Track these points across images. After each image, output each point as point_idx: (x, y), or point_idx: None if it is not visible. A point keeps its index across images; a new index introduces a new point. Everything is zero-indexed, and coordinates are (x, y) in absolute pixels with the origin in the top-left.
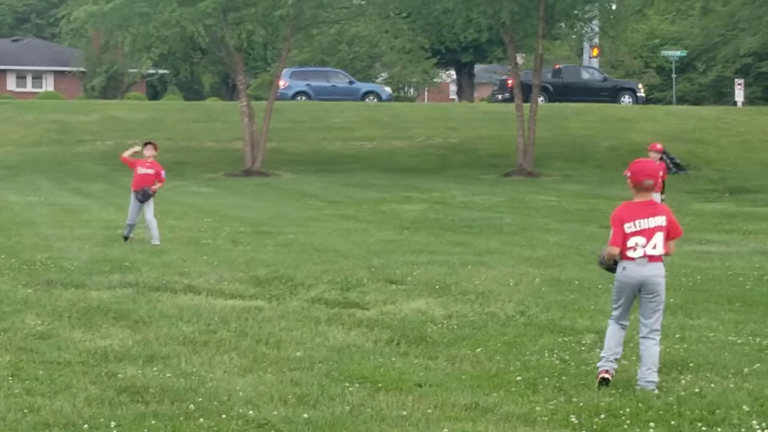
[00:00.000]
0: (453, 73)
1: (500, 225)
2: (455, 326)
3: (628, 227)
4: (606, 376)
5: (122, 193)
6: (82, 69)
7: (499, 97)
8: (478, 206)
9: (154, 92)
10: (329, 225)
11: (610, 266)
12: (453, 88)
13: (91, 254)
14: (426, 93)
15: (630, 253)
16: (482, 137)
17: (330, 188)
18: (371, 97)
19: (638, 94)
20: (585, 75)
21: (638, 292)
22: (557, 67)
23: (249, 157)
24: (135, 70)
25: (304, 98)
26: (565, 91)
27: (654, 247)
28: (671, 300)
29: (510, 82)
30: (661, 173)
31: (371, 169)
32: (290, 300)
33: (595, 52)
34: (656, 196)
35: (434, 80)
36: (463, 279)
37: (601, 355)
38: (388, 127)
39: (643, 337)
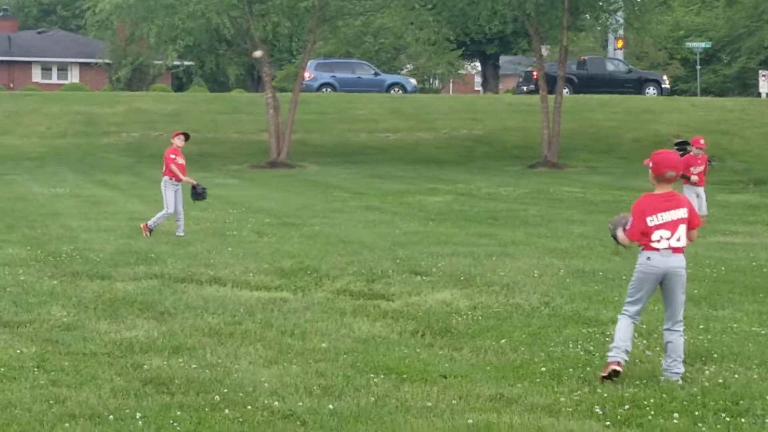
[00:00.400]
0: (478, 64)
1: (525, 216)
2: (480, 317)
3: (651, 220)
4: (617, 368)
5: (147, 185)
6: (107, 61)
7: (525, 88)
8: (503, 198)
9: (180, 84)
10: (354, 216)
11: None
12: (478, 79)
13: (116, 246)
14: (451, 84)
15: (655, 244)
16: (507, 129)
17: (355, 180)
18: (396, 89)
19: (663, 86)
20: (610, 66)
21: (660, 284)
22: (582, 58)
23: (274, 149)
24: (160, 62)
25: (329, 90)
26: (590, 83)
27: (678, 240)
28: (695, 291)
29: (535, 73)
30: (702, 167)
31: (396, 161)
32: (315, 291)
33: (620, 43)
34: (700, 190)
35: (459, 72)
36: (488, 270)
37: (612, 345)
38: (413, 119)
39: (668, 330)
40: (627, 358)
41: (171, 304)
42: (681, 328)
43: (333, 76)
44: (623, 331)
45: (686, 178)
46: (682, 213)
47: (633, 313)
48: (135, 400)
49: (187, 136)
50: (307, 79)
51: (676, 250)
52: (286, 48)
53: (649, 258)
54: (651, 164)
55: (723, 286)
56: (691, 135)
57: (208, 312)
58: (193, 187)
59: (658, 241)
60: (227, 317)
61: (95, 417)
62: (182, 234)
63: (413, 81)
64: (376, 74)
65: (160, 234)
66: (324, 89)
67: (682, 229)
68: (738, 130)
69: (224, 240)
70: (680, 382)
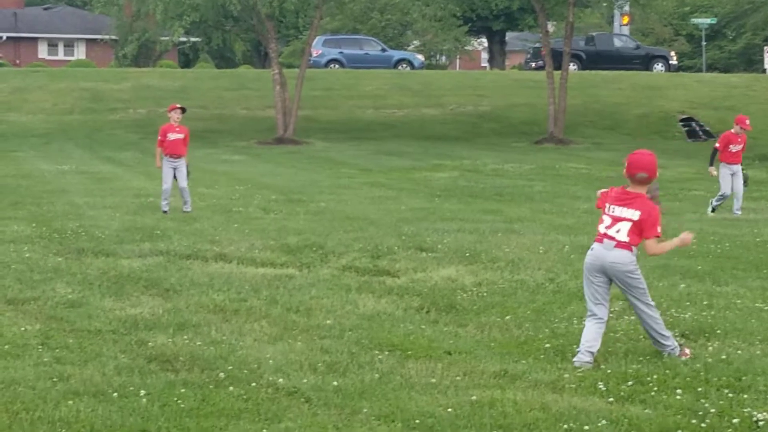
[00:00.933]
0: (484, 40)
1: (531, 192)
2: (485, 294)
3: (606, 208)
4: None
5: (154, 161)
6: (113, 37)
7: (533, 64)
8: (509, 174)
9: (186, 60)
10: (360, 193)
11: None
12: (484, 55)
13: (122, 222)
14: (457, 61)
15: (600, 228)
16: (513, 105)
17: (361, 156)
18: (404, 65)
19: (670, 62)
20: (618, 43)
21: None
22: (590, 34)
23: (281, 125)
24: (167, 38)
25: (337, 66)
26: (598, 59)
27: (617, 232)
28: (699, 267)
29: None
30: (741, 146)
31: (403, 137)
32: (321, 268)
33: (626, 19)
34: (736, 168)
35: (466, 48)
36: (493, 246)
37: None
38: (420, 95)
39: (635, 312)
40: (589, 359)
41: (176, 281)
42: (649, 310)
43: (340, 53)
44: (586, 331)
45: (711, 161)
46: (630, 213)
47: (593, 312)
48: (139, 377)
49: (183, 110)
50: (315, 55)
51: (618, 244)
52: (292, 24)
53: (592, 248)
54: (626, 164)
55: (727, 261)
56: (696, 111)
57: (214, 289)
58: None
59: (602, 224)
60: (232, 294)
61: (99, 394)
62: (189, 210)
63: (420, 57)
64: (383, 50)
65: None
66: (332, 65)
67: (624, 225)
68: (743, 106)
69: (230, 216)
70: (676, 351)
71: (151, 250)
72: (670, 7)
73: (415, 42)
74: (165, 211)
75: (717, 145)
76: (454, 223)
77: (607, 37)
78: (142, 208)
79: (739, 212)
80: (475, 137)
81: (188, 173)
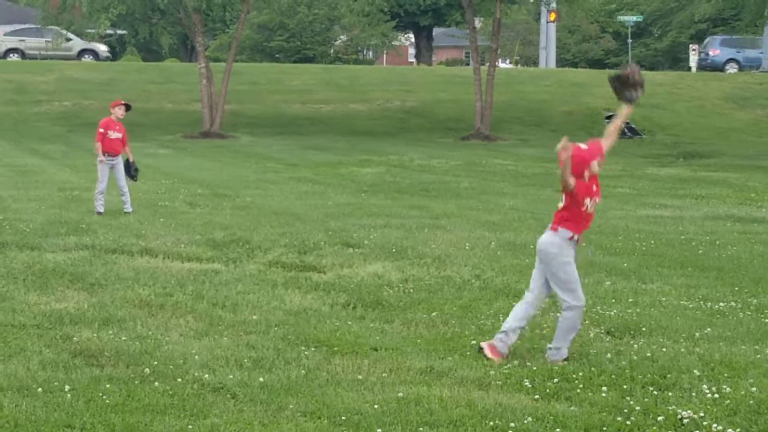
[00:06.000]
0: (411, 36)
1: (457, 189)
2: (411, 290)
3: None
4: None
5: (79, 154)
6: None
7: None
8: (436, 170)
9: (112, 53)
10: (287, 188)
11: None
12: (412, 51)
13: (47, 216)
14: (384, 56)
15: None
16: (440, 101)
17: (288, 151)
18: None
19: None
20: None
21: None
22: None
23: (207, 119)
24: (93, 31)
25: (735, 68)
26: None
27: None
28: (625, 264)
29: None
30: None
31: (329, 132)
32: (247, 263)
33: (552, 16)
34: None
35: (393, 43)
36: (419, 243)
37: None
38: (347, 90)
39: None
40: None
41: (101, 276)
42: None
43: (738, 52)
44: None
45: None
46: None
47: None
48: (64, 372)
49: (128, 107)
50: (712, 54)
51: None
52: (219, 18)
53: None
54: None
55: (652, 259)
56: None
57: (139, 283)
58: (127, 162)
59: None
60: (158, 289)
61: (23, 390)
62: (130, 210)
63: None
64: None
65: (92, 204)
66: (729, 66)
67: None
68: (668, 103)
69: (156, 211)
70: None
71: (76, 244)
72: (597, 4)
73: (341, 37)
74: (99, 213)
75: None
76: (380, 218)
77: None
78: (67, 202)
79: None
80: (401, 133)
81: (136, 170)
